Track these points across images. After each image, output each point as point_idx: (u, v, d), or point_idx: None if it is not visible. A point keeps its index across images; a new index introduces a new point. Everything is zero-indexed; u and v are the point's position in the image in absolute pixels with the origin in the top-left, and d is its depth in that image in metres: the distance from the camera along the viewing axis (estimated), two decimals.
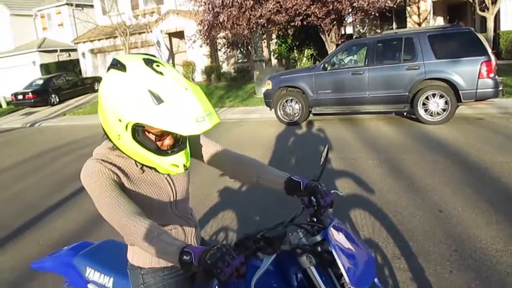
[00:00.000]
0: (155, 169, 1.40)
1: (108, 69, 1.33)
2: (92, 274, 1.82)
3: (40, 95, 20.18)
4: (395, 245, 3.50)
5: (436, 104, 7.86)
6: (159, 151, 1.34)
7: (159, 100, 1.20)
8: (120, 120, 1.27)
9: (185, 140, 1.42)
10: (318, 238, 1.37)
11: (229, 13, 14.33)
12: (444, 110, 7.82)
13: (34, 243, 4.34)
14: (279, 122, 9.56)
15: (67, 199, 5.68)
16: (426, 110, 7.97)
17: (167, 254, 1.18)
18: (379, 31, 17.55)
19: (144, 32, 22.35)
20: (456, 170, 5.17)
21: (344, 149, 6.73)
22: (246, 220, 4.29)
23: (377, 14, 14.53)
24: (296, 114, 9.27)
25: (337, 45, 13.36)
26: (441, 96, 7.80)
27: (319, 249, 1.36)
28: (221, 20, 14.82)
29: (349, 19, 15.55)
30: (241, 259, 1.10)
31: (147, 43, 22.77)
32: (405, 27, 16.45)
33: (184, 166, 1.38)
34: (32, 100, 20.01)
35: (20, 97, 20.33)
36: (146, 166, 1.42)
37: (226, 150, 1.74)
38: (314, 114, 9.56)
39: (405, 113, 8.74)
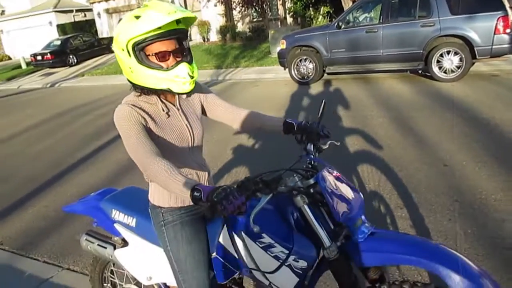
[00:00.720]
0: (170, 90, 1.57)
1: None
2: (117, 215, 2.06)
3: (58, 56, 20.42)
4: (398, 196, 3.70)
5: (451, 61, 7.82)
6: (164, 69, 1.54)
7: (138, 17, 1.47)
8: (123, 49, 1.52)
9: (187, 57, 1.61)
10: (311, 181, 1.56)
11: None
12: (458, 67, 7.78)
13: (64, 194, 4.67)
14: (293, 82, 9.63)
15: (89, 156, 5.99)
16: (440, 68, 7.94)
17: (181, 189, 1.36)
18: None
19: None
20: (465, 126, 5.27)
21: (356, 107, 6.84)
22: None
23: None
24: (310, 74, 9.31)
25: (354, 1, 13.09)
26: (456, 53, 7.74)
27: (311, 190, 1.55)
28: None
29: None
30: (243, 199, 1.28)
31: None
32: None
33: (189, 75, 1.55)
34: (51, 61, 20.28)
35: (39, 58, 20.60)
36: (161, 90, 1.58)
37: (231, 105, 1.94)
38: (328, 74, 9.59)
39: (419, 71, 8.72)
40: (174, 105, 1.72)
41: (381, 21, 8.49)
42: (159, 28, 1.45)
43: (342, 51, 8.91)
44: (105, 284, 2.39)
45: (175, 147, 1.68)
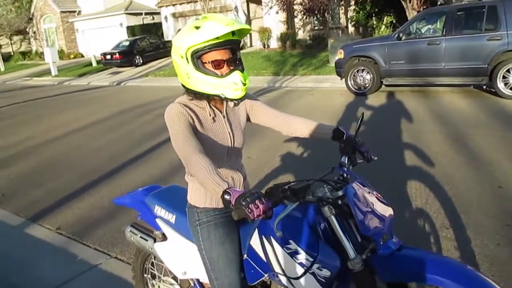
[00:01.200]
0: (224, 97, 1.68)
1: None
2: (159, 211, 2.19)
3: (126, 56, 21.51)
4: (445, 216, 3.58)
5: None
6: (219, 76, 1.67)
7: (198, 27, 1.60)
8: (182, 57, 1.65)
9: (240, 66, 1.73)
10: (340, 193, 1.59)
11: None
12: None
13: (118, 187, 4.95)
14: (349, 92, 9.54)
15: (145, 153, 6.30)
16: (506, 84, 7.57)
17: (215, 190, 1.45)
18: None
19: None
20: None
21: (411, 121, 6.67)
22: None
23: None
24: (367, 85, 9.18)
25: (419, 12, 12.74)
26: None
27: (339, 202, 1.58)
28: None
29: None
30: (269, 205, 1.35)
31: (225, 8, 23.12)
32: None
33: (242, 82, 1.66)
34: (119, 61, 21.41)
35: (108, 57, 21.81)
36: (214, 96, 1.70)
37: (279, 112, 2.02)
38: (386, 85, 9.41)
39: (483, 87, 8.35)
40: (221, 112, 1.83)
41: (444, 33, 8.23)
42: (217, 38, 1.58)
43: (402, 62, 8.71)
44: (145, 275, 2.54)
45: (214, 151, 1.78)
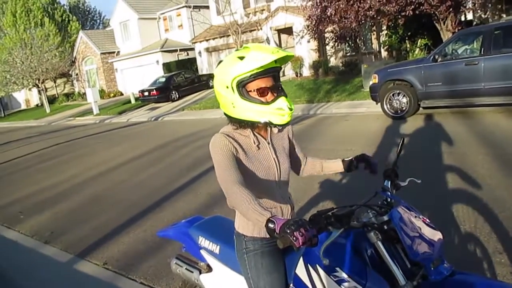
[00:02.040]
0: (270, 122, 1.72)
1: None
2: (203, 242, 2.21)
3: (163, 92, 22.23)
4: (498, 240, 3.42)
5: None
6: (265, 103, 1.70)
7: (242, 58, 1.65)
8: (227, 87, 1.69)
9: (282, 92, 1.76)
10: (385, 218, 1.56)
11: (337, 7, 14.27)
12: None
13: (161, 220, 5.03)
14: (385, 116, 9.42)
15: (185, 185, 6.40)
16: None
17: (258, 219, 1.46)
18: (504, 15, 16.03)
19: (254, 30, 23.23)
20: None
21: (454, 143, 6.49)
22: None
23: None
24: (404, 108, 9.05)
25: (453, 33, 12.56)
26: None
27: (385, 227, 1.56)
28: (328, 14, 14.83)
29: (468, 4, 14.45)
30: (314, 232, 1.34)
31: (257, 40, 23.62)
32: None
33: (288, 107, 1.70)
34: (156, 97, 22.16)
35: (146, 93, 22.61)
36: (262, 124, 1.75)
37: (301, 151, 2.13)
38: (424, 108, 9.24)
39: None
40: (265, 139, 1.86)
41: (482, 53, 8.05)
42: (261, 66, 1.62)
43: (439, 84, 8.55)
44: None
45: (262, 180, 1.80)
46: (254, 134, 1.82)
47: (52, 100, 34.35)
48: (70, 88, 38.12)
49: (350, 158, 2.01)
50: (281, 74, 1.79)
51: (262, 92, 1.69)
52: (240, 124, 1.78)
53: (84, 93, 30.40)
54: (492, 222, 3.73)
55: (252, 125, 1.77)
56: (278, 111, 1.69)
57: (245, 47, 1.70)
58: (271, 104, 1.69)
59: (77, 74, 36.05)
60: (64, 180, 8.08)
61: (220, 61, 1.78)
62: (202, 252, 2.20)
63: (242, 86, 1.68)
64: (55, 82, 35.63)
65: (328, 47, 20.46)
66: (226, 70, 1.69)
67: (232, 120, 1.80)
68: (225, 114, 1.81)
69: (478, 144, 6.28)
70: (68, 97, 35.40)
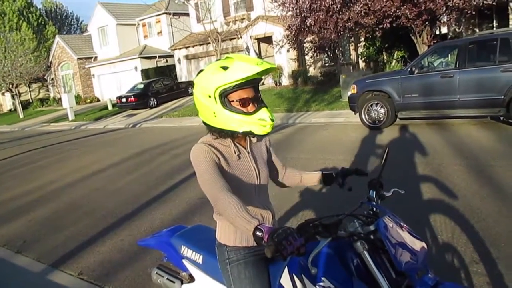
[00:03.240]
0: (251, 132, 1.72)
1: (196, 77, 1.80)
2: (186, 251, 2.17)
3: (141, 99, 22.00)
4: (474, 250, 3.48)
5: None
6: (247, 113, 1.69)
7: (226, 68, 1.65)
8: (209, 96, 1.68)
9: (262, 103, 1.77)
10: (371, 227, 1.57)
11: (316, 17, 14.46)
12: None
13: (138, 229, 4.94)
14: (364, 127, 9.54)
15: (163, 194, 6.30)
16: None
17: (245, 227, 1.44)
18: (477, 30, 16.54)
19: (234, 38, 23.31)
20: None
21: (430, 154, 6.61)
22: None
23: (473, 13, 13.75)
24: (381, 118, 9.19)
25: (429, 46, 12.87)
26: None
27: (372, 237, 1.56)
28: (308, 24, 15.01)
29: (443, 19, 14.85)
30: (302, 241, 1.33)
31: (237, 49, 23.70)
32: (507, 25, 15.33)
33: (270, 118, 1.71)
34: (134, 103, 21.91)
35: (124, 100, 22.34)
36: (243, 133, 1.74)
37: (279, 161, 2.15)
38: (401, 119, 9.40)
39: (501, 118, 8.28)
40: (245, 149, 1.86)
41: (457, 66, 8.28)
42: (246, 77, 1.62)
43: (416, 96, 8.74)
44: None
45: (242, 187, 1.79)
46: (234, 144, 1.82)
47: (26, 105, 33.59)
48: (45, 93, 37.36)
49: (329, 172, 2.06)
50: (260, 83, 1.79)
51: (244, 102, 1.69)
52: (220, 133, 1.77)
53: (60, 99, 29.86)
54: (468, 232, 3.79)
55: (232, 135, 1.77)
56: (260, 121, 1.69)
57: (228, 57, 1.69)
58: (253, 114, 1.69)
59: (52, 79, 35.37)
60: (38, 187, 7.86)
61: (201, 70, 1.76)
62: (185, 261, 2.16)
63: (224, 96, 1.67)
64: (29, 87, 34.93)
65: (307, 57, 20.68)
66: (208, 79, 1.68)
67: (211, 130, 1.79)
68: (204, 123, 1.80)
69: (453, 155, 6.41)
70: (42, 102, 34.66)
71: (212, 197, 1.62)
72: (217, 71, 1.67)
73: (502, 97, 7.65)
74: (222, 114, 1.69)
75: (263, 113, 1.70)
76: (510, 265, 3.19)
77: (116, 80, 30.78)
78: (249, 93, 1.70)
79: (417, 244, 1.59)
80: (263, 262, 1.86)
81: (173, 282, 2.25)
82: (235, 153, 1.80)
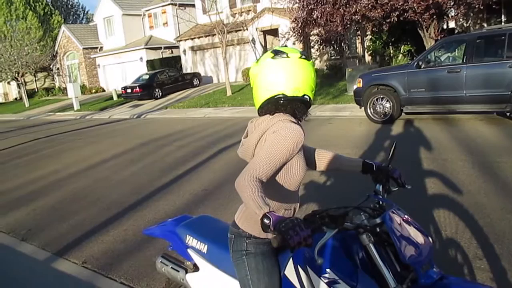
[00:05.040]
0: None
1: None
2: (191, 241, 2.18)
3: (146, 89, 22.00)
4: (478, 246, 3.47)
5: None
6: None
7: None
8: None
9: None
10: (378, 220, 1.57)
11: (323, 10, 14.37)
12: None
13: (142, 219, 4.96)
14: (369, 121, 9.51)
15: (167, 185, 6.32)
16: None
17: (255, 211, 1.42)
18: (485, 24, 16.38)
19: (240, 30, 23.20)
20: None
21: (436, 150, 6.58)
22: None
23: (481, 7, 13.60)
24: (387, 113, 9.16)
25: (436, 40, 12.78)
26: None
27: (377, 230, 1.55)
28: (314, 17, 14.91)
29: (451, 13, 14.72)
30: (308, 232, 1.32)
31: (242, 41, 23.62)
32: None
33: None
34: (139, 94, 21.91)
35: (129, 90, 22.35)
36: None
37: (308, 146, 2.04)
38: (406, 113, 9.36)
39: (507, 114, 8.23)
40: None
41: (464, 61, 8.22)
42: None
43: (422, 90, 8.69)
44: None
45: (300, 175, 1.77)
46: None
47: (31, 94, 33.67)
48: (51, 82, 37.43)
49: (370, 163, 1.98)
50: None
51: None
52: (300, 115, 1.80)
53: (65, 88, 29.89)
54: (472, 228, 3.79)
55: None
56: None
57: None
58: None
59: (58, 69, 35.41)
60: (42, 176, 7.90)
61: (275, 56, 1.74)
62: (189, 251, 2.17)
63: None
64: (35, 76, 34.97)
65: (313, 50, 20.58)
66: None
67: (298, 110, 1.79)
68: (298, 101, 1.77)
69: (459, 150, 6.39)
70: (48, 92, 34.74)
71: (247, 171, 1.57)
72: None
73: (509, 93, 7.60)
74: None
75: None
76: None
77: (122, 70, 30.77)
78: None
79: (422, 238, 1.59)
80: (275, 255, 1.84)
81: (178, 271, 2.26)
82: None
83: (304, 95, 1.73)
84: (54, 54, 33.62)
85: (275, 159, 1.60)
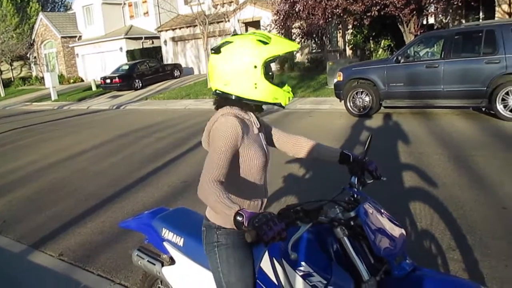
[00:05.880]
0: (281, 104, 1.76)
1: (217, 50, 1.74)
2: (167, 234, 2.16)
3: (126, 80, 21.69)
4: (451, 237, 3.56)
5: None
6: (278, 85, 1.75)
7: (266, 43, 1.68)
8: (255, 67, 1.67)
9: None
10: (352, 214, 1.59)
11: (305, 3, 14.39)
12: None
13: (120, 211, 4.92)
14: (348, 114, 9.60)
15: (146, 176, 6.27)
16: (505, 106, 7.63)
17: (225, 212, 1.44)
18: (463, 21, 16.65)
19: (222, 21, 23.03)
20: None
21: (413, 143, 6.69)
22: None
23: (460, 4, 13.82)
24: (366, 107, 9.25)
25: (416, 35, 12.94)
26: None
27: (352, 223, 1.58)
28: (297, 10, 14.94)
29: (431, 9, 14.91)
30: (282, 226, 1.34)
31: (224, 32, 23.45)
32: (493, 17, 15.47)
33: (291, 92, 1.79)
34: (118, 84, 21.60)
35: (108, 81, 22.00)
36: (275, 104, 1.77)
37: (287, 133, 2.06)
38: (385, 107, 9.48)
39: (483, 109, 8.42)
40: (259, 125, 1.86)
41: (442, 56, 8.35)
42: (286, 52, 1.70)
43: (401, 85, 8.80)
44: None
45: (258, 163, 1.77)
46: (256, 118, 1.83)
47: (7, 83, 32.78)
48: (27, 71, 36.52)
49: (348, 154, 1.98)
50: None
51: (271, 76, 1.74)
52: (246, 106, 1.77)
53: (42, 78, 29.24)
54: (446, 220, 3.88)
55: (258, 109, 1.80)
56: (288, 94, 1.76)
57: (262, 33, 1.72)
58: (283, 87, 1.75)
59: (35, 58, 34.56)
60: (19, 167, 7.75)
61: (226, 41, 1.73)
62: (165, 244, 2.16)
63: (264, 68, 1.70)
64: (11, 65, 34.04)
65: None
66: (253, 50, 1.66)
67: (245, 102, 1.75)
68: (220, 95, 1.76)
69: (436, 144, 6.51)
70: (24, 81, 33.89)
71: (203, 177, 1.59)
72: (258, 44, 1.67)
73: (485, 88, 7.76)
74: (263, 85, 1.70)
75: (288, 87, 1.77)
76: (485, 252, 3.27)
77: (101, 60, 30.23)
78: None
79: (396, 231, 1.62)
80: (249, 246, 1.84)
81: (154, 264, 2.25)
82: (255, 126, 1.80)
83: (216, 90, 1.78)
84: (31, 42, 32.81)
85: (222, 157, 1.62)
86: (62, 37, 31.64)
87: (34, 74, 35.23)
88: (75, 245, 4.14)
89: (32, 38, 32.92)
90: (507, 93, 7.56)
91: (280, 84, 1.76)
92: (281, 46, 1.67)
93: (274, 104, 1.75)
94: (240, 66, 1.68)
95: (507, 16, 15.20)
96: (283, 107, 1.80)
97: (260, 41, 1.67)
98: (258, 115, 1.86)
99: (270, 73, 1.73)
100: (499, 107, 7.66)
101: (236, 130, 1.66)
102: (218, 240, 1.81)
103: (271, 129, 2.03)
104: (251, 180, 1.77)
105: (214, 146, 1.65)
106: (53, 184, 6.39)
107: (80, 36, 32.31)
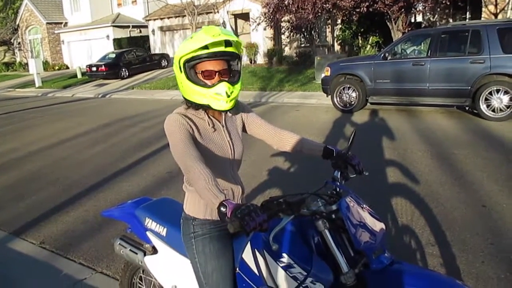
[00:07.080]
0: (209, 106, 1.71)
1: None
2: (150, 223, 2.17)
3: (112, 68, 21.40)
4: (431, 233, 3.63)
5: (500, 100, 7.62)
6: (207, 86, 1.68)
7: (189, 38, 1.67)
8: (177, 66, 1.70)
9: (234, 77, 1.75)
10: (334, 207, 1.61)
11: None
12: (508, 106, 7.58)
13: (104, 200, 4.89)
14: (335, 109, 9.66)
15: (131, 166, 6.24)
16: (488, 106, 7.75)
17: (211, 200, 1.45)
18: (451, 20, 16.83)
19: (211, 12, 22.88)
20: (509, 168, 5.10)
21: (397, 140, 6.77)
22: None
23: (448, 3, 13.95)
24: (353, 102, 9.31)
25: (403, 33, 13.04)
26: (506, 92, 7.56)
27: (333, 216, 1.60)
28: (286, 3, 14.90)
29: (419, 7, 15.02)
30: (264, 217, 1.35)
31: (213, 23, 23.27)
32: (480, 17, 15.66)
33: (227, 93, 1.67)
34: (104, 73, 21.30)
35: (94, 69, 21.68)
36: (202, 105, 1.73)
37: (273, 126, 2.06)
38: (371, 103, 9.55)
39: (466, 108, 8.54)
40: (219, 122, 1.85)
41: (429, 54, 8.42)
42: (206, 48, 1.61)
43: (387, 82, 8.88)
44: None
45: (216, 161, 1.79)
46: (209, 117, 1.81)
47: None
48: (11, 57, 35.82)
49: (331, 149, 1.97)
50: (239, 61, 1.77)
51: (208, 74, 1.67)
52: (192, 104, 1.76)
53: (26, 64, 28.69)
54: (426, 216, 3.95)
55: (203, 107, 1.75)
56: (216, 96, 1.67)
57: (209, 28, 1.66)
58: (211, 88, 1.67)
59: (19, 43, 33.90)
60: (0, 154, 7.63)
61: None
62: (148, 233, 2.16)
63: (189, 67, 1.68)
64: None
65: (283, 37, 20.57)
66: (179, 48, 1.69)
67: (186, 100, 1.78)
68: (183, 97, 1.80)
69: (419, 141, 6.59)
70: (8, 67, 33.24)
71: (185, 167, 1.60)
72: (185, 41, 1.69)
73: (469, 88, 7.87)
74: (185, 84, 1.71)
75: (221, 87, 1.67)
76: (463, 248, 3.35)
77: (87, 48, 29.80)
78: (216, 66, 1.67)
79: (376, 225, 1.64)
80: (228, 237, 1.87)
81: (136, 253, 2.25)
82: (209, 125, 1.80)
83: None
84: (16, 27, 32.17)
85: (182, 145, 1.64)
86: (47, 23, 31.08)
87: (18, 60, 34.58)
88: (57, 233, 4.12)
89: (16, 23, 32.28)
90: (490, 93, 7.68)
91: (213, 85, 1.68)
92: (196, 41, 1.61)
93: (205, 106, 1.72)
94: (174, 64, 1.74)
95: (493, 17, 15.40)
96: (222, 111, 1.79)
97: (191, 37, 1.67)
98: (232, 113, 1.89)
99: (207, 70, 1.67)
100: (482, 106, 7.78)
101: (180, 122, 1.71)
102: (195, 230, 1.85)
103: (253, 119, 2.01)
104: (217, 170, 1.77)
105: (171, 142, 1.69)
106: (35, 172, 6.31)
107: (66, 23, 31.78)
